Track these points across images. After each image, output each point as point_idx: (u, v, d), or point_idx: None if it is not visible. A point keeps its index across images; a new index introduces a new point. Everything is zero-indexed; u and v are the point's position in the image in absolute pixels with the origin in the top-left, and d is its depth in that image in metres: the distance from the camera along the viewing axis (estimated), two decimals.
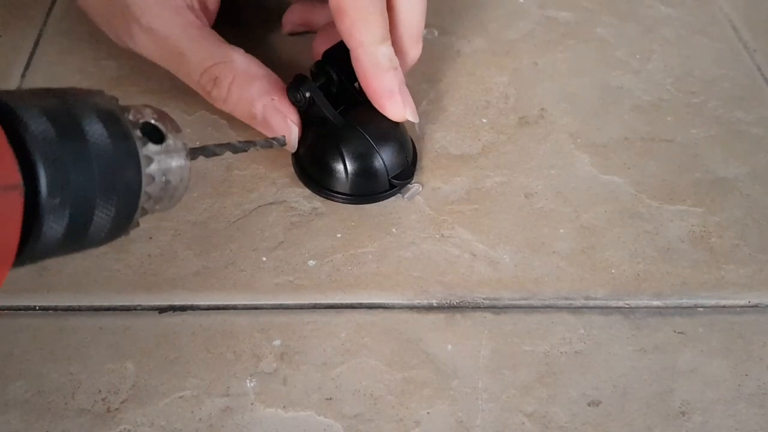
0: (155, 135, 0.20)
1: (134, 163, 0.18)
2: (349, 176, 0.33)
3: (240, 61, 0.33)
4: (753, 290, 0.32)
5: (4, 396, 0.27)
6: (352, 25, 0.30)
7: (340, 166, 0.33)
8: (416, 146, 0.36)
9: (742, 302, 0.32)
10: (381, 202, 0.34)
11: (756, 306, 0.32)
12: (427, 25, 0.44)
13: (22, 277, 0.31)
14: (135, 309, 0.30)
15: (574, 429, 0.27)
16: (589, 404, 0.28)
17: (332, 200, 0.34)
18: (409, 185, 0.34)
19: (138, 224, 0.20)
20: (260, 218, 0.33)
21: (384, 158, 0.33)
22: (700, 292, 0.32)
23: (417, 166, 0.35)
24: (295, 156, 0.35)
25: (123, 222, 0.19)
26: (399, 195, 0.34)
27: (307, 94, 0.32)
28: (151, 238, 0.32)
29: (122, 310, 0.30)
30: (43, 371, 0.28)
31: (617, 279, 0.32)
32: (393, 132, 0.33)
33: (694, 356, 0.30)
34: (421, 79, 0.40)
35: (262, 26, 0.41)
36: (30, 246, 0.16)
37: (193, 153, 0.22)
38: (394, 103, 0.32)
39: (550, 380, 0.29)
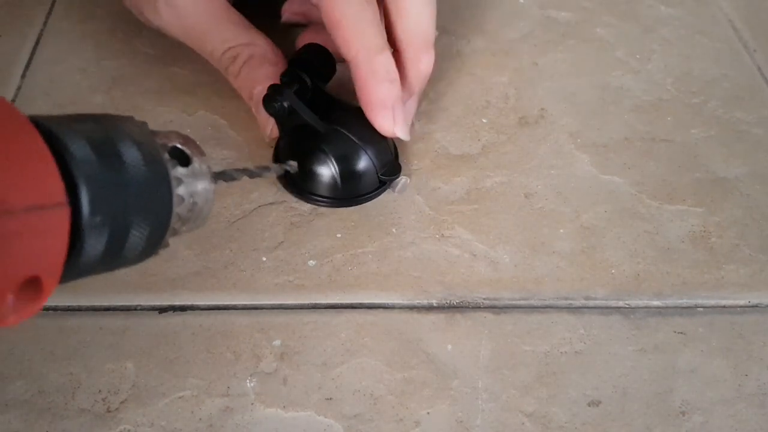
0: (182, 158, 0.21)
1: (166, 184, 0.19)
2: (340, 180, 0.32)
3: (261, 44, 0.34)
4: (753, 290, 0.32)
5: (4, 396, 0.27)
6: (345, 36, 0.30)
7: (329, 171, 0.32)
8: (416, 146, 0.36)
9: (742, 302, 0.32)
10: (381, 203, 0.34)
11: (756, 306, 0.32)
12: None
13: None
14: (135, 309, 0.30)
15: (574, 429, 0.27)
16: (589, 404, 0.28)
17: (324, 206, 0.33)
18: (396, 180, 0.34)
19: (168, 244, 0.20)
20: (260, 218, 0.33)
21: (372, 157, 0.32)
22: (700, 292, 0.32)
23: (414, 171, 0.35)
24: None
25: (155, 241, 0.19)
26: (389, 191, 0.34)
27: (286, 104, 0.31)
28: None
29: (122, 310, 0.30)
30: (43, 371, 0.28)
31: (617, 279, 0.32)
32: (376, 130, 0.33)
33: (694, 356, 0.30)
34: None
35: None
36: (72, 263, 0.17)
37: (214, 177, 0.23)
38: (384, 116, 0.31)
39: (550, 380, 0.29)
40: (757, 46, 0.44)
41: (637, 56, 0.43)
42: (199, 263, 0.32)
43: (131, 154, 0.18)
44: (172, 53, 0.40)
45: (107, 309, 0.30)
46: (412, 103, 0.33)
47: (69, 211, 0.16)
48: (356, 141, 0.32)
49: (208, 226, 0.33)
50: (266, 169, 0.29)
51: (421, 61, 0.33)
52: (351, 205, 0.34)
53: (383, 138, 0.33)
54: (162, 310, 0.30)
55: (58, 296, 0.30)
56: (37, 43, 0.41)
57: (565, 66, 0.42)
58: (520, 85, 0.41)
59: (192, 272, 0.31)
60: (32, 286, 0.16)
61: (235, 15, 0.35)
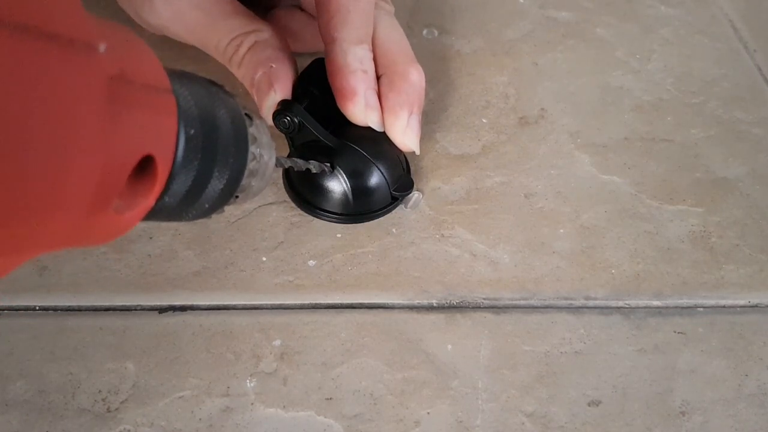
0: (249, 119, 0.23)
1: (244, 139, 0.21)
2: (351, 196, 0.32)
3: (266, 32, 0.33)
4: (753, 290, 0.32)
5: (4, 396, 0.27)
6: (329, 21, 0.30)
7: (340, 187, 0.32)
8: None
9: (742, 302, 0.32)
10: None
11: (756, 306, 0.32)
12: (427, 25, 0.44)
13: (22, 277, 0.31)
14: (135, 309, 0.30)
15: (574, 429, 0.27)
16: (589, 404, 0.28)
17: (335, 222, 0.33)
18: (409, 195, 0.34)
19: (223, 210, 0.22)
20: (260, 218, 0.33)
21: (384, 172, 0.32)
22: (700, 292, 0.32)
23: (413, 171, 0.35)
24: (288, 180, 0.34)
25: (227, 194, 0.21)
26: (401, 206, 0.34)
27: (296, 119, 0.31)
28: (151, 238, 0.32)
29: (122, 310, 0.30)
30: (43, 371, 0.28)
31: (617, 279, 0.32)
32: (387, 144, 0.32)
33: (694, 356, 0.30)
34: None
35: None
36: (160, 198, 0.18)
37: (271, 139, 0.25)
38: (355, 103, 0.31)
39: (550, 380, 0.29)
40: (757, 46, 0.44)
41: (637, 56, 0.43)
42: (199, 263, 0.32)
43: (222, 111, 0.20)
44: (172, 53, 0.40)
45: (107, 309, 0.30)
46: (415, 121, 0.32)
47: (175, 100, 0.18)
48: (368, 156, 0.32)
49: (208, 226, 0.33)
50: (308, 163, 0.30)
51: (410, 74, 0.32)
52: (363, 221, 0.33)
53: (395, 153, 0.33)
54: (162, 310, 0.30)
55: (58, 296, 0.30)
56: None
57: (565, 66, 0.42)
58: (520, 85, 0.41)
59: (192, 272, 0.31)
60: (146, 171, 0.17)
61: (239, 6, 0.34)
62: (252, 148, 0.22)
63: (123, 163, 0.16)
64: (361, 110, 0.31)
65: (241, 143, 0.21)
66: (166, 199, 0.18)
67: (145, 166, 0.17)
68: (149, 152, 0.16)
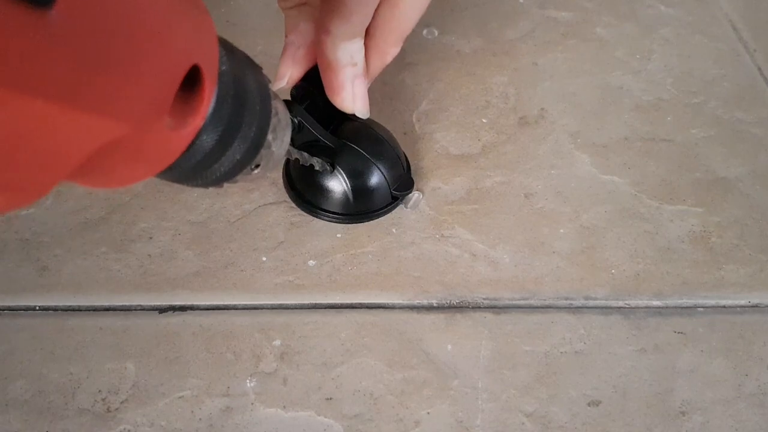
0: None
1: (267, 89, 0.22)
2: (352, 195, 0.32)
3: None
4: (753, 290, 0.32)
5: (4, 396, 0.27)
6: (326, 14, 0.30)
7: (340, 187, 0.32)
8: (416, 146, 0.36)
9: (742, 302, 0.32)
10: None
11: (756, 306, 0.32)
12: (427, 25, 0.44)
13: (22, 277, 0.31)
14: (135, 309, 0.30)
15: (574, 429, 0.27)
16: (589, 404, 0.28)
17: (335, 222, 0.33)
18: (409, 195, 0.34)
19: (237, 180, 0.22)
20: (260, 218, 0.33)
21: (384, 172, 0.32)
22: (700, 292, 0.32)
23: (413, 171, 0.35)
24: (288, 180, 0.34)
25: (249, 156, 0.21)
26: (401, 206, 0.34)
27: (296, 119, 0.31)
28: (151, 238, 0.32)
29: (122, 310, 0.30)
30: (43, 371, 0.28)
31: (617, 279, 0.32)
32: (387, 144, 0.33)
33: (694, 356, 0.30)
34: (421, 79, 0.40)
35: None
36: (198, 136, 0.19)
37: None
38: (344, 98, 0.31)
39: (550, 380, 0.29)
40: (757, 46, 0.44)
41: (637, 56, 0.43)
42: (199, 263, 0.32)
43: (242, 60, 0.21)
44: None
45: (107, 309, 0.30)
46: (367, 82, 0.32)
47: (213, 22, 0.19)
48: (368, 156, 0.32)
49: (207, 226, 0.33)
50: (314, 158, 0.31)
51: (389, 54, 0.32)
52: (363, 221, 0.33)
53: (395, 153, 0.33)
54: (162, 310, 0.30)
55: (58, 296, 0.30)
56: None
57: (565, 66, 0.42)
58: (520, 85, 0.41)
59: (192, 272, 0.31)
60: (193, 89, 0.18)
61: None
62: (273, 102, 0.22)
63: (176, 67, 0.16)
64: (348, 102, 0.31)
65: (264, 93, 0.21)
66: (204, 136, 0.19)
67: (191, 84, 0.17)
68: (197, 62, 0.17)
